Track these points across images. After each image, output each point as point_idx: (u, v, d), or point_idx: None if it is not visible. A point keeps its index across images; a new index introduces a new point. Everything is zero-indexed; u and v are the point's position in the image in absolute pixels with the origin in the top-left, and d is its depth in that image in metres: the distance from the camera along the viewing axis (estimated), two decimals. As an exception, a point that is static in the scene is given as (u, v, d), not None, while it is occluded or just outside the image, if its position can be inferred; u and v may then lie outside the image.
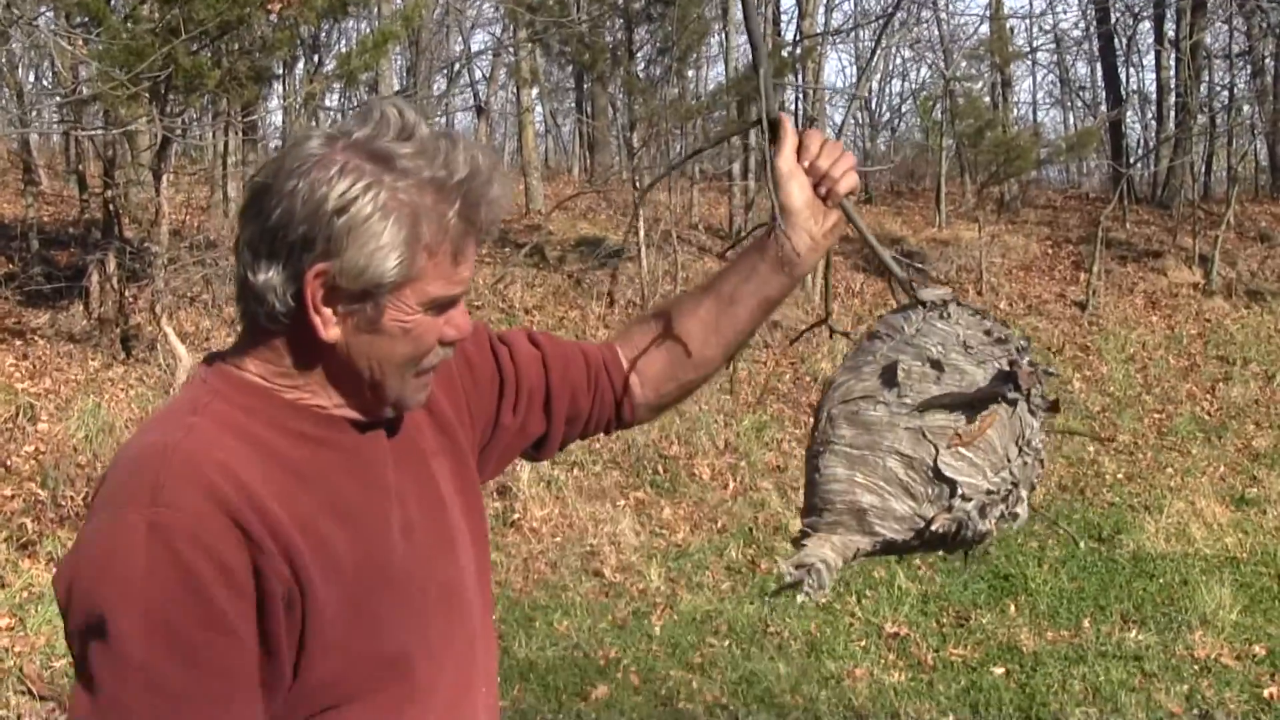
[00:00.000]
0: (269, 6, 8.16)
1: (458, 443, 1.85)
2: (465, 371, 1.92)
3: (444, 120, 22.83)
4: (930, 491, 1.81)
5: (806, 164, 2.02)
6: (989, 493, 1.79)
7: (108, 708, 1.42)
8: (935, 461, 1.79)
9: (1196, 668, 6.95)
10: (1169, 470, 11.60)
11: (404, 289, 1.53)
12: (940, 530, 1.80)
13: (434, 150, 1.52)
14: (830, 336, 2.15)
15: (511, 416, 1.98)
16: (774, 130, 2.06)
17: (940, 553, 1.90)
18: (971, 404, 1.81)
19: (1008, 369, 1.82)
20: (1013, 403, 1.82)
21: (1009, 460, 1.80)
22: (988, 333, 1.88)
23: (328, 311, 1.52)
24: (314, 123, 13.07)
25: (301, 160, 1.50)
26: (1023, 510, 1.84)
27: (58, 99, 10.41)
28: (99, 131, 10.15)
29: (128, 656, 1.40)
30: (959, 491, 1.79)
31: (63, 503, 7.61)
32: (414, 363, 1.60)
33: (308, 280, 1.50)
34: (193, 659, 1.42)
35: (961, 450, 1.80)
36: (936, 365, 1.83)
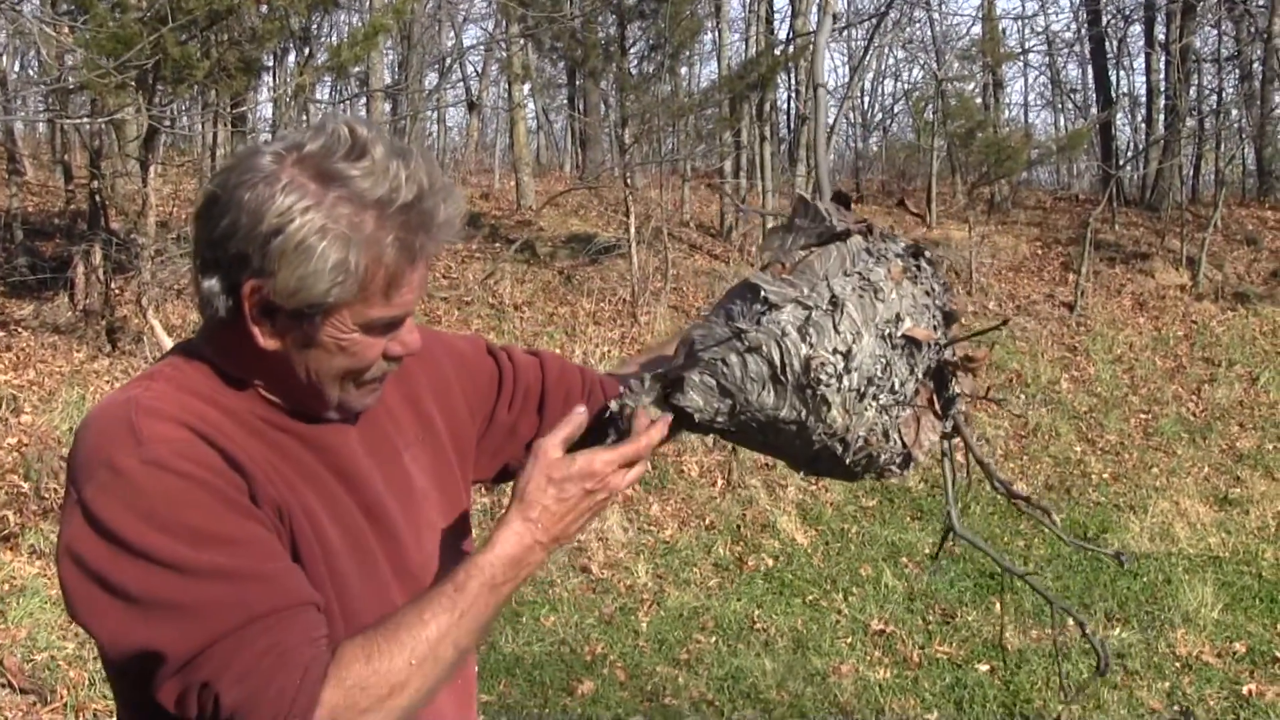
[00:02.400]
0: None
1: (440, 440, 1.86)
2: (462, 371, 1.95)
3: (435, 115, 22.79)
4: (745, 308, 1.79)
5: None
6: (802, 305, 1.76)
7: (208, 614, 1.43)
8: (747, 275, 1.80)
9: (1178, 665, 6.97)
10: (1154, 470, 11.63)
11: (339, 311, 1.53)
12: (753, 343, 1.76)
13: (383, 171, 1.51)
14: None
15: (507, 413, 1.99)
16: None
17: (792, 436, 1.82)
18: (805, 246, 1.82)
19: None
20: (842, 237, 1.82)
21: (828, 279, 1.77)
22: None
23: (265, 324, 1.54)
24: (304, 115, 13.03)
25: (250, 173, 1.50)
26: (878, 368, 1.77)
27: (43, 87, 10.36)
28: (85, 121, 10.11)
29: (196, 568, 1.43)
30: (763, 295, 1.77)
31: (45, 495, 7.57)
32: (354, 376, 1.61)
33: (244, 294, 1.51)
34: (246, 549, 1.47)
35: (783, 275, 1.80)
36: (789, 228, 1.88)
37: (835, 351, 1.75)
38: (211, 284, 1.53)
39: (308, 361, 1.58)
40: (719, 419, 1.82)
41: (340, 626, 1.58)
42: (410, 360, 1.71)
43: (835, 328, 1.76)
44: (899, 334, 1.79)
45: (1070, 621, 6.88)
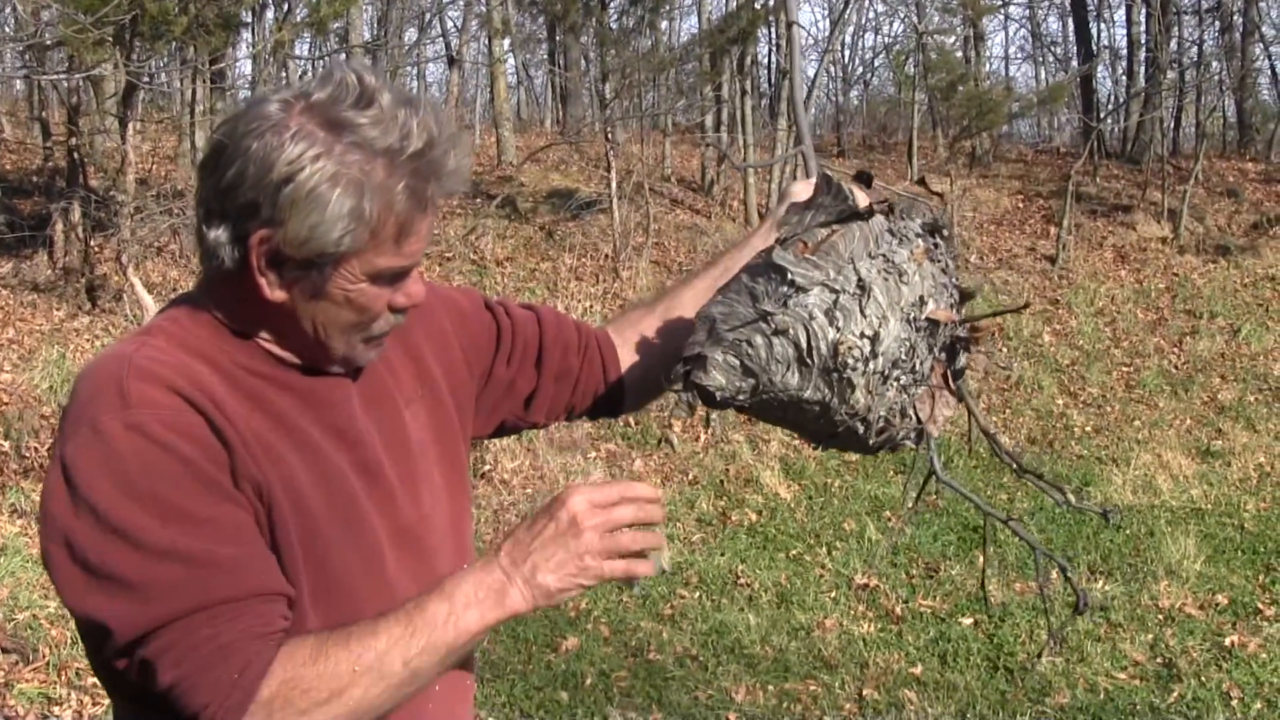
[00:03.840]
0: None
1: (440, 395, 1.85)
2: (460, 325, 1.93)
3: (415, 70, 22.64)
4: (771, 289, 1.77)
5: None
6: (830, 289, 1.74)
7: (155, 598, 1.42)
8: (770, 255, 1.78)
9: (1161, 617, 7.02)
10: (1136, 423, 11.69)
11: (348, 260, 1.51)
12: (780, 326, 1.74)
13: (391, 119, 1.49)
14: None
15: (505, 368, 1.98)
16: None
17: (816, 416, 1.80)
18: (825, 224, 1.81)
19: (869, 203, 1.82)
20: (865, 217, 1.80)
21: (854, 262, 1.76)
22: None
23: (272, 275, 1.52)
24: (283, 72, 12.94)
25: (258, 121, 1.48)
26: (902, 350, 1.76)
27: (19, 44, 10.24)
28: (62, 77, 10.00)
29: (156, 545, 1.42)
30: (790, 277, 1.75)
31: (26, 454, 7.55)
32: (360, 328, 1.60)
33: (252, 244, 1.50)
34: (215, 531, 1.45)
35: (806, 255, 1.78)
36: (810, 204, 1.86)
37: (863, 336, 1.74)
38: (218, 234, 1.51)
39: (315, 314, 1.56)
40: (740, 397, 1.80)
41: (323, 599, 1.58)
42: (410, 314, 1.69)
43: (862, 312, 1.75)
44: (923, 317, 1.79)
45: (1055, 573, 6.93)
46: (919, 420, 1.83)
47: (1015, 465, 1.97)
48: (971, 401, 1.89)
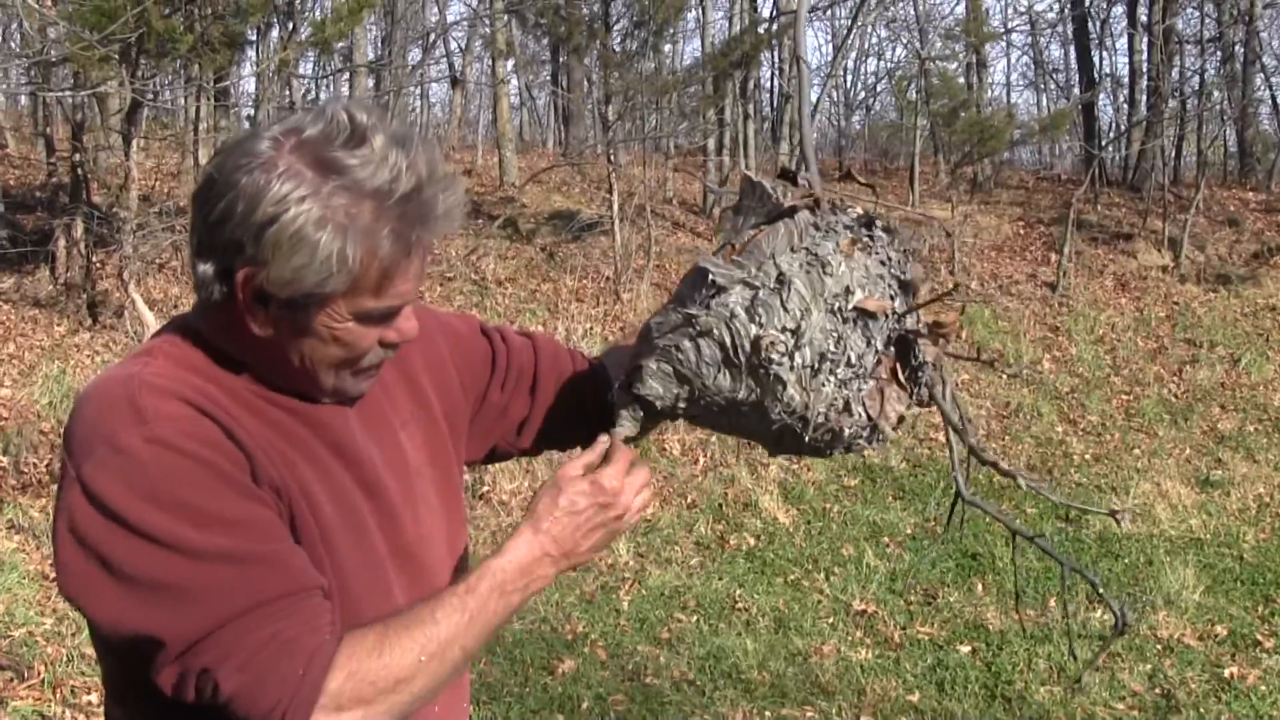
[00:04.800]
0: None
1: (434, 417, 1.86)
2: (457, 350, 1.94)
3: (418, 90, 22.68)
4: (696, 294, 1.79)
5: None
6: (748, 285, 1.75)
7: (201, 605, 1.42)
8: (697, 260, 1.79)
9: (1160, 648, 7.00)
10: (1136, 451, 11.67)
11: (334, 301, 1.51)
12: (703, 327, 1.75)
13: (381, 160, 1.49)
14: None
15: (499, 394, 1.99)
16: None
17: (751, 410, 1.81)
18: (755, 226, 1.82)
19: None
20: (790, 214, 1.81)
21: (774, 257, 1.76)
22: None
23: (259, 311, 1.52)
24: (287, 90, 12.96)
25: (248, 158, 1.48)
26: (831, 343, 1.76)
27: (25, 60, 10.27)
28: (67, 93, 10.03)
29: (198, 550, 1.42)
30: (710, 279, 1.76)
31: (25, 470, 7.54)
32: (349, 364, 1.60)
33: (238, 281, 1.50)
34: (249, 531, 1.46)
35: (733, 257, 1.79)
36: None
37: (784, 329, 1.74)
38: (206, 268, 1.52)
39: (302, 349, 1.56)
40: (680, 404, 1.82)
41: (338, 606, 1.57)
42: (418, 347, 1.72)
43: (783, 305, 1.75)
44: (849, 307, 1.77)
45: (1051, 603, 6.90)
46: (869, 417, 1.82)
47: (995, 467, 1.97)
48: (942, 399, 1.88)
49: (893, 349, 1.83)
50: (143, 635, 1.42)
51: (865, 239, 1.83)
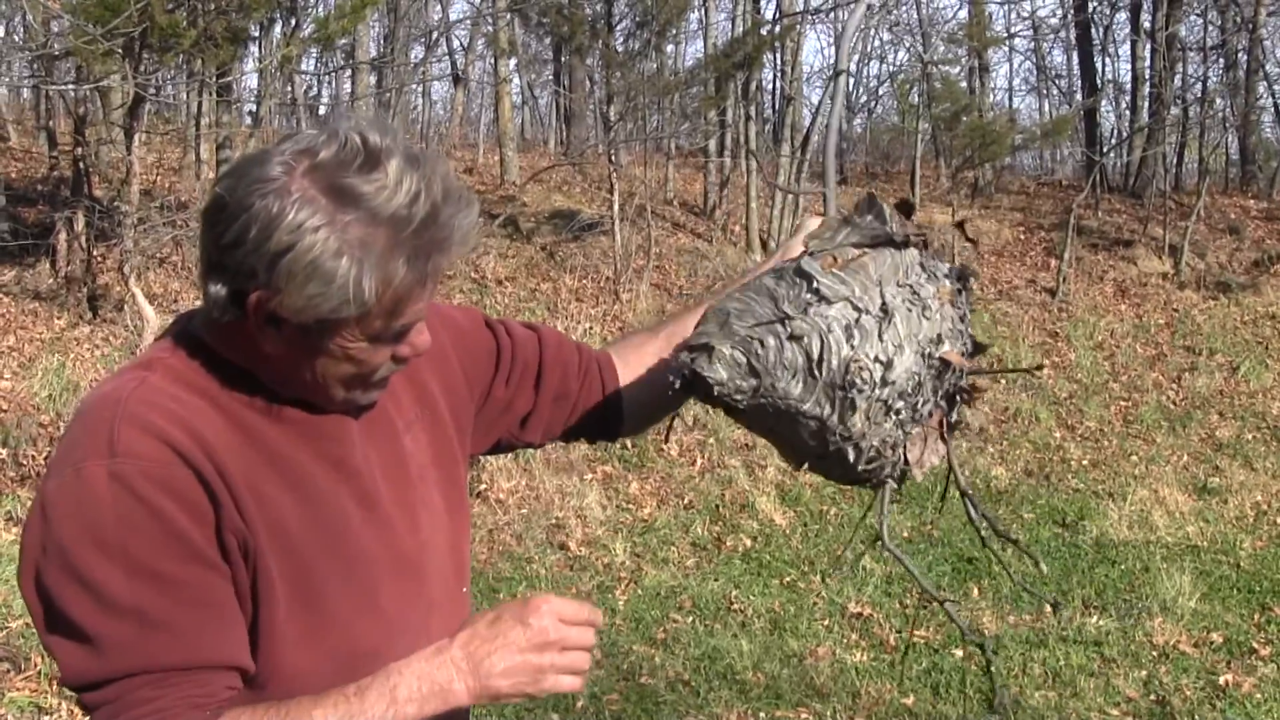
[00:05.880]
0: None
1: (439, 416, 1.85)
2: (460, 345, 1.92)
3: (420, 88, 22.67)
4: (793, 294, 1.76)
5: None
6: (855, 307, 1.73)
7: (109, 654, 1.45)
8: (799, 261, 1.77)
9: (1155, 654, 7.00)
10: (1133, 458, 11.68)
11: (348, 325, 1.51)
12: (797, 333, 1.72)
13: (396, 185, 1.47)
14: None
15: (504, 389, 1.97)
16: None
17: (813, 434, 1.78)
18: (858, 245, 1.81)
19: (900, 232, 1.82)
20: (899, 246, 1.80)
21: (881, 286, 1.75)
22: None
23: (270, 331, 1.52)
24: (289, 86, 12.95)
25: (260, 183, 1.46)
26: (907, 406, 1.75)
27: (28, 53, 10.27)
28: (70, 87, 10.03)
29: (115, 602, 1.44)
30: (815, 285, 1.74)
31: (24, 462, 7.55)
32: (361, 379, 1.60)
33: (250, 304, 1.49)
34: (179, 593, 1.46)
35: (834, 270, 1.77)
36: (846, 222, 1.85)
37: (876, 360, 1.73)
38: (218, 290, 1.51)
39: (314, 366, 1.56)
40: (737, 396, 1.77)
41: (317, 636, 1.60)
42: None
43: (880, 336, 1.74)
44: (936, 354, 1.78)
45: (1049, 609, 6.93)
46: (906, 461, 1.82)
47: (994, 529, 1.97)
48: (954, 457, 1.88)
49: (944, 403, 1.84)
50: (52, 655, 1.48)
51: (957, 291, 1.85)
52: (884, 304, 1.75)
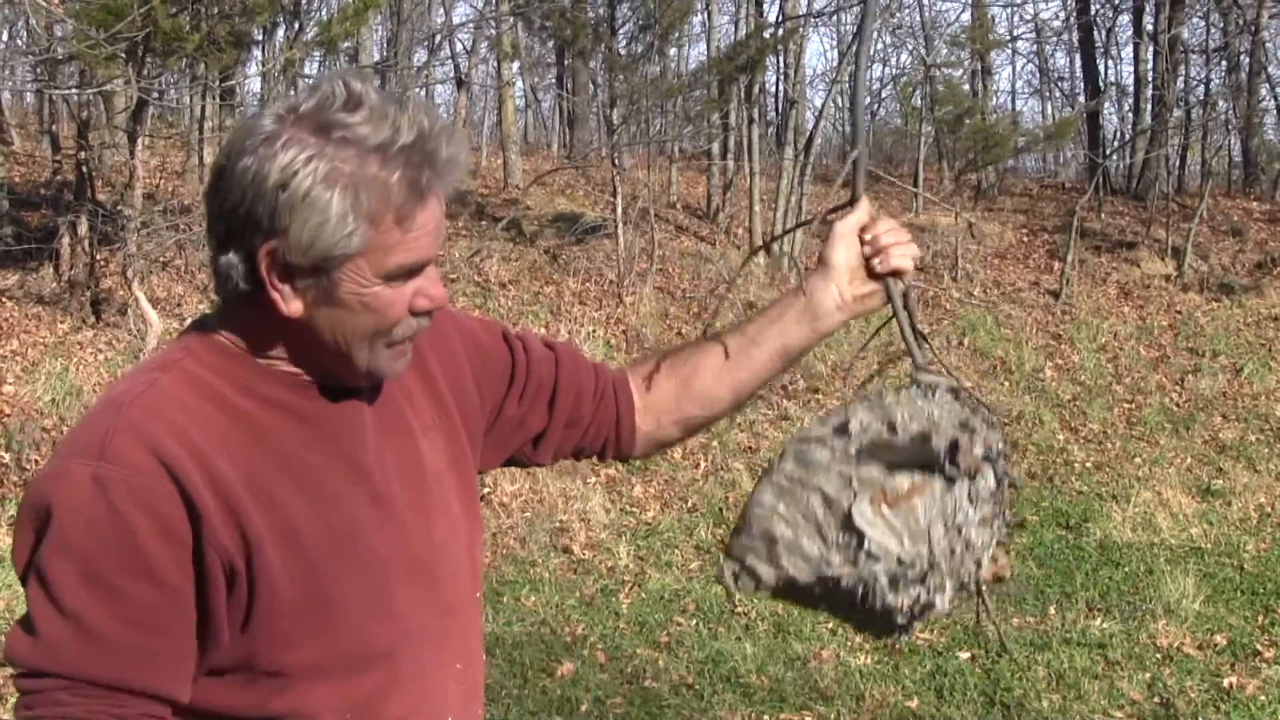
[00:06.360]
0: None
1: (453, 421, 1.84)
2: (475, 355, 1.91)
3: (423, 92, 22.69)
4: (841, 539, 1.77)
5: (869, 235, 1.99)
6: (900, 562, 1.74)
7: (42, 649, 1.48)
8: (849, 508, 1.76)
9: (1159, 656, 6.99)
10: (1137, 460, 11.67)
11: (355, 261, 1.52)
12: (845, 585, 1.76)
13: (381, 117, 1.50)
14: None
15: (516, 406, 1.96)
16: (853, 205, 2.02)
17: (848, 621, 1.85)
18: (906, 465, 1.78)
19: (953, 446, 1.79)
20: (950, 480, 1.78)
21: (930, 536, 1.75)
22: (964, 423, 1.82)
23: (285, 288, 1.53)
24: (292, 90, 12.94)
25: (251, 137, 1.50)
26: (941, 602, 1.77)
27: (32, 58, 10.28)
28: (74, 92, 10.05)
29: (61, 602, 1.46)
30: (866, 546, 1.75)
31: (27, 466, 7.56)
32: (381, 334, 1.59)
33: (260, 259, 1.51)
34: (124, 610, 1.47)
35: (884, 509, 1.76)
36: (892, 428, 1.80)
37: (918, 600, 1.77)
38: (229, 257, 1.53)
39: (333, 324, 1.56)
40: (763, 589, 1.85)
41: (326, 635, 1.60)
42: (423, 340, 1.70)
43: (923, 582, 1.76)
44: (974, 576, 1.82)
45: (1051, 610, 6.91)
46: (913, 615, 1.85)
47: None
48: (985, 607, 1.91)
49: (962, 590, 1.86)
50: (11, 633, 1.51)
51: (994, 486, 1.83)
52: (931, 557, 1.76)
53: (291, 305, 1.54)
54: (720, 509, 9.48)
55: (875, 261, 1.97)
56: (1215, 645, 7.19)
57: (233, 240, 1.52)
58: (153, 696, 1.51)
